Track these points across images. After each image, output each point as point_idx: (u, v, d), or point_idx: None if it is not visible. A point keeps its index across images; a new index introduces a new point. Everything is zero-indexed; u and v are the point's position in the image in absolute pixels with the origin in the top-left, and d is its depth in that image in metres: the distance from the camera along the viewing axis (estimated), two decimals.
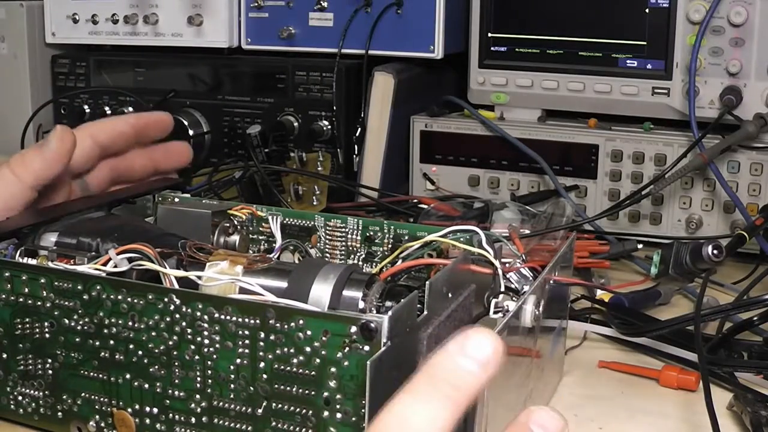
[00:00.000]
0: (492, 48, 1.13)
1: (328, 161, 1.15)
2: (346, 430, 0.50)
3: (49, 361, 0.58)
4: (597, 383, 0.71)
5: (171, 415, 0.55)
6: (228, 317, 0.52)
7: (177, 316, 0.54)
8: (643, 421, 0.65)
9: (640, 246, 0.97)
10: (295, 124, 1.17)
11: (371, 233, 0.70)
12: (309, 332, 0.50)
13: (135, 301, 0.55)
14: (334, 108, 1.14)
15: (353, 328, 0.49)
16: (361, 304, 0.55)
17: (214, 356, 0.53)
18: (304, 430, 0.52)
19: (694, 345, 0.69)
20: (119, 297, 0.55)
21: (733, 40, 1.00)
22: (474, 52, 1.14)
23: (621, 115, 1.09)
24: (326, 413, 0.51)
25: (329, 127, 1.15)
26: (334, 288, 0.56)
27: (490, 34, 1.13)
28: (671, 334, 0.74)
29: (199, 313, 0.53)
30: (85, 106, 1.29)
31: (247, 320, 0.52)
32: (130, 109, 1.27)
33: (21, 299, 0.58)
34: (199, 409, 0.54)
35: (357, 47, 1.14)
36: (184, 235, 0.63)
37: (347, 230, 0.72)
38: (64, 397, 0.58)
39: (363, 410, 0.49)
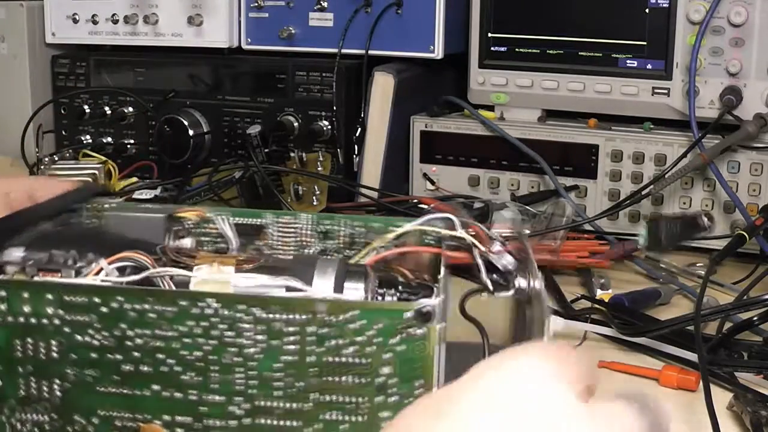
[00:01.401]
0: (492, 48, 1.13)
1: (328, 161, 1.15)
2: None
3: (57, 381, 0.54)
4: (597, 383, 0.71)
5: (207, 421, 0.54)
6: (274, 315, 0.52)
7: (215, 320, 0.52)
8: None
9: (640, 246, 0.97)
10: (295, 124, 1.17)
11: (326, 227, 0.70)
12: (363, 322, 0.51)
13: (164, 309, 0.52)
14: (334, 108, 1.14)
15: (408, 314, 0.50)
16: (364, 294, 0.56)
17: (258, 356, 0.52)
18: (355, 417, 0.52)
19: (694, 345, 0.69)
20: (145, 306, 0.52)
21: (733, 40, 1.00)
22: (474, 52, 1.14)
23: (621, 115, 1.09)
24: (379, 398, 0.51)
25: (329, 127, 1.15)
26: (336, 281, 0.55)
27: (490, 34, 1.13)
28: (671, 334, 0.74)
29: (240, 315, 0.52)
30: (85, 106, 1.29)
31: (294, 317, 0.51)
32: (131, 108, 1.27)
33: (21, 318, 0.54)
34: (240, 411, 0.53)
35: (357, 47, 1.14)
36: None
37: (299, 226, 0.70)
38: (76, 417, 0.55)
39: (417, 391, 0.50)
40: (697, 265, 0.98)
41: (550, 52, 1.10)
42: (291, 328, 0.51)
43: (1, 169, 1.22)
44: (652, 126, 1.07)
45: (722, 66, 1.01)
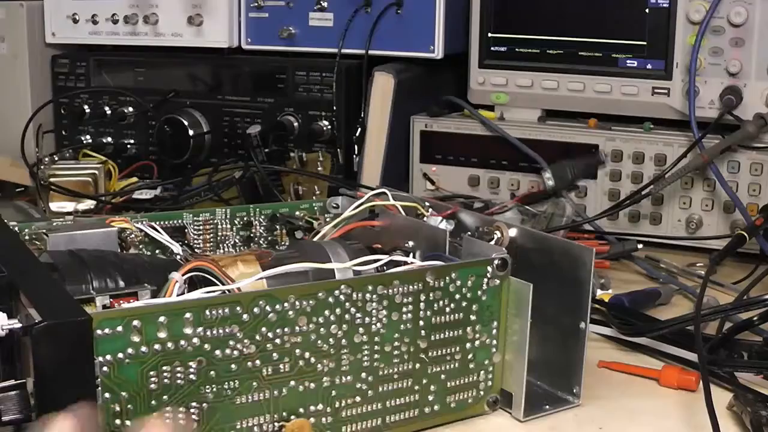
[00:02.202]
0: (492, 48, 1.13)
1: (328, 161, 1.15)
2: (485, 352, 0.64)
3: (194, 404, 0.52)
4: (597, 383, 0.71)
5: (338, 403, 0.58)
6: (395, 290, 0.58)
7: (347, 305, 0.57)
8: (643, 421, 0.65)
9: (640, 246, 0.96)
10: (295, 124, 1.17)
11: (241, 219, 0.76)
12: (459, 282, 0.61)
13: (304, 303, 0.55)
14: (334, 108, 1.14)
15: (489, 269, 0.62)
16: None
17: (381, 331, 0.58)
18: (453, 365, 0.62)
19: (694, 345, 0.69)
20: (285, 305, 0.54)
21: (733, 40, 1.00)
22: (474, 52, 1.14)
23: (621, 115, 1.09)
24: (470, 344, 0.62)
25: (329, 127, 1.15)
26: (351, 257, 0.64)
27: (490, 34, 1.13)
28: (671, 334, 0.74)
29: (369, 295, 0.57)
30: (85, 106, 1.30)
31: (410, 287, 0.59)
32: (131, 109, 1.27)
33: (157, 346, 0.50)
34: (365, 386, 0.59)
35: (357, 47, 1.14)
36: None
37: (216, 221, 0.74)
38: None
39: (494, 332, 0.63)
40: (697, 265, 0.98)
41: (550, 52, 1.10)
42: (407, 299, 0.59)
43: (1, 169, 1.22)
44: (652, 126, 1.07)
45: (722, 66, 1.01)
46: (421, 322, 0.60)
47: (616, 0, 1.06)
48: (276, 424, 0.55)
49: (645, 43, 1.05)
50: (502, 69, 1.13)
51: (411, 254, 0.66)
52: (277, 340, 0.54)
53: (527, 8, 1.11)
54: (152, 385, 0.51)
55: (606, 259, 0.96)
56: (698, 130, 0.98)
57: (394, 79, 1.13)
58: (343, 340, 0.57)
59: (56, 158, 1.18)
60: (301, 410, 0.56)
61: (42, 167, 1.14)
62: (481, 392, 0.64)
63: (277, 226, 0.78)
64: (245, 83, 1.21)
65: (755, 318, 0.72)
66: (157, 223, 0.72)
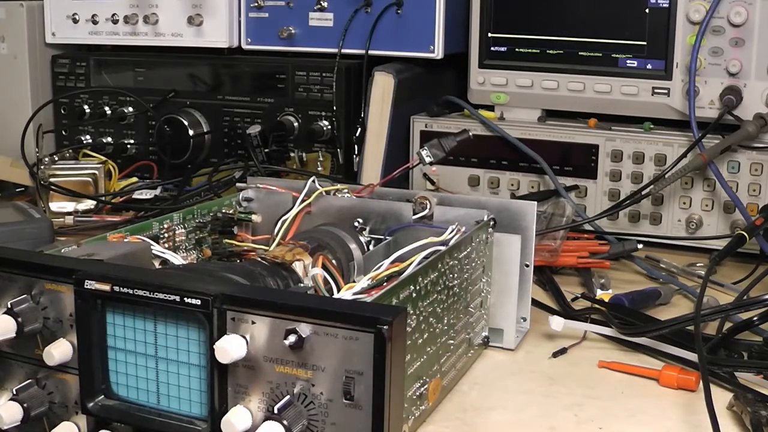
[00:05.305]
0: (492, 48, 1.13)
1: (328, 161, 1.15)
2: (485, 298, 0.75)
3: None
4: (597, 383, 0.71)
5: (441, 359, 0.66)
6: (459, 254, 0.68)
7: (447, 272, 0.66)
8: (643, 421, 0.65)
9: (640, 246, 0.97)
10: (295, 124, 1.17)
11: (195, 220, 0.79)
12: (468, 250, 0.69)
13: (433, 276, 0.63)
14: (334, 108, 1.14)
15: (490, 228, 0.73)
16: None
17: (456, 290, 0.68)
18: (478, 312, 0.73)
19: (694, 345, 0.69)
20: (426, 279, 0.62)
21: (733, 40, 1.00)
22: (474, 52, 1.14)
23: (621, 115, 1.09)
24: (484, 292, 0.74)
25: (329, 127, 1.15)
26: (356, 244, 0.74)
27: (490, 34, 1.13)
28: (671, 334, 0.74)
29: (452, 261, 0.67)
30: (85, 106, 1.30)
31: (459, 254, 0.69)
32: (131, 109, 1.27)
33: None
34: (450, 340, 0.67)
35: (357, 47, 1.14)
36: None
37: (174, 226, 0.77)
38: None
39: (489, 279, 0.74)
40: (697, 265, 0.98)
41: (550, 52, 1.10)
42: (459, 261, 0.69)
43: (1, 169, 1.22)
44: (652, 126, 1.07)
45: (722, 66, 1.01)
46: (466, 281, 0.70)
47: (616, 0, 1.06)
48: (421, 388, 0.61)
49: (645, 43, 1.05)
50: (502, 69, 1.13)
51: (363, 230, 0.76)
52: (425, 312, 0.62)
53: (527, 8, 1.11)
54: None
55: (606, 259, 0.96)
56: (698, 130, 0.98)
57: (394, 79, 1.13)
58: (445, 304, 0.66)
59: (56, 158, 1.18)
60: (430, 372, 0.63)
61: (42, 167, 1.14)
62: (483, 332, 0.76)
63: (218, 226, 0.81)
64: (245, 83, 1.21)
65: (755, 318, 0.72)
66: (136, 235, 0.73)
